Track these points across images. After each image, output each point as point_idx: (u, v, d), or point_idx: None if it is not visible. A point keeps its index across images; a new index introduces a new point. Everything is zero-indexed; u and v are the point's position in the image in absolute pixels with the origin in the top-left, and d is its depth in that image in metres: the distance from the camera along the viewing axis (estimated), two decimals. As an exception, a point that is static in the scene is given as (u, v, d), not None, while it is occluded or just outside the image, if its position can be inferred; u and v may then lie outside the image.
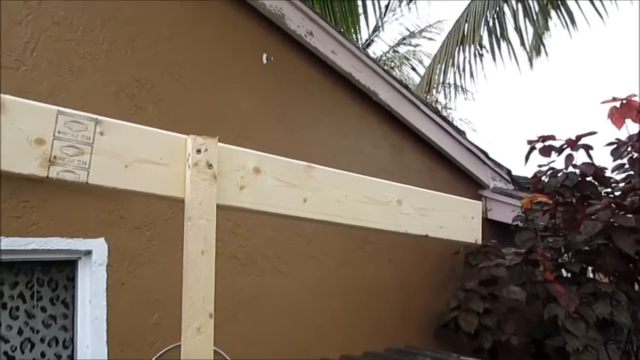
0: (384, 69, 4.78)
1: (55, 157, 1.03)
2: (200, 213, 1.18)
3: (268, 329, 3.81)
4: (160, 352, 3.27)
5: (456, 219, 1.84)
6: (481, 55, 8.05)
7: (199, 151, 1.21)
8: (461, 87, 10.79)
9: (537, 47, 7.54)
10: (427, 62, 12.39)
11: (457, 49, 8.30)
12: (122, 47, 3.39)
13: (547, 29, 7.40)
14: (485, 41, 7.96)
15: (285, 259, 3.99)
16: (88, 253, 3.13)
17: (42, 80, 3.05)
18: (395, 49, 14.71)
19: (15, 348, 2.97)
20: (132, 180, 1.14)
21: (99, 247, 3.15)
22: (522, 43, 7.69)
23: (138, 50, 3.46)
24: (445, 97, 11.70)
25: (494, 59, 7.94)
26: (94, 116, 1.08)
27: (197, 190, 1.19)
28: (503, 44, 7.82)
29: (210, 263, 1.20)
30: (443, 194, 1.79)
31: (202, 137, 1.21)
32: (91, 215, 3.15)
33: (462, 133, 5.33)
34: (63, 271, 3.17)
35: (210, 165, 1.21)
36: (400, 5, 11.23)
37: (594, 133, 4.35)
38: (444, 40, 8.73)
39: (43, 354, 3.06)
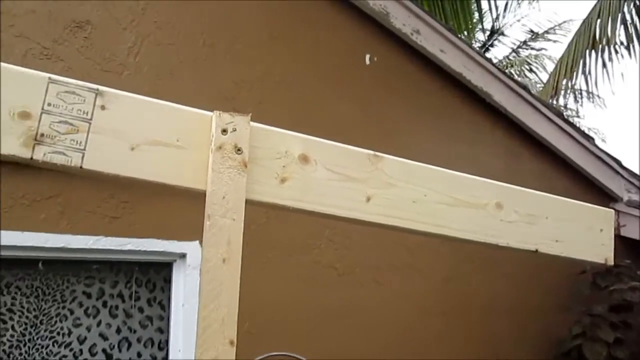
0: (498, 68, 4.41)
1: (42, 135, 0.87)
2: (223, 210, 0.93)
3: (362, 346, 3.57)
4: (251, 362, 3.18)
5: (578, 231, 1.47)
6: (617, 53, 7.20)
7: (224, 131, 0.96)
8: (589, 92, 9.83)
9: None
10: (550, 66, 11.49)
11: (587, 48, 7.52)
12: (222, 49, 3.38)
13: None
14: (622, 39, 7.13)
15: (386, 270, 3.74)
16: (183, 256, 3.12)
17: (143, 84, 3.10)
18: (517, 52, 13.85)
19: (113, 346, 3.02)
20: (139, 166, 0.94)
21: (193, 250, 3.12)
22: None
23: (237, 53, 3.44)
24: (575, 103, 10.69)
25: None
26: (95, 86, 0.91)
27: (220, 180, 0.94)
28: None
29: (235, 274, 0.93)
30: (560, 198, 1.43)
31: (230, 113, 0.96)
32: (186, 217, 3.11)
33: (590, 138, 4.79)
34: (160, 273, 3.19)
35: (238, 150, 0.96)
36: (519, 5, 10.51)
37: None
38: (572, 40, 7.97)
39: (139, 354, 3.08)
